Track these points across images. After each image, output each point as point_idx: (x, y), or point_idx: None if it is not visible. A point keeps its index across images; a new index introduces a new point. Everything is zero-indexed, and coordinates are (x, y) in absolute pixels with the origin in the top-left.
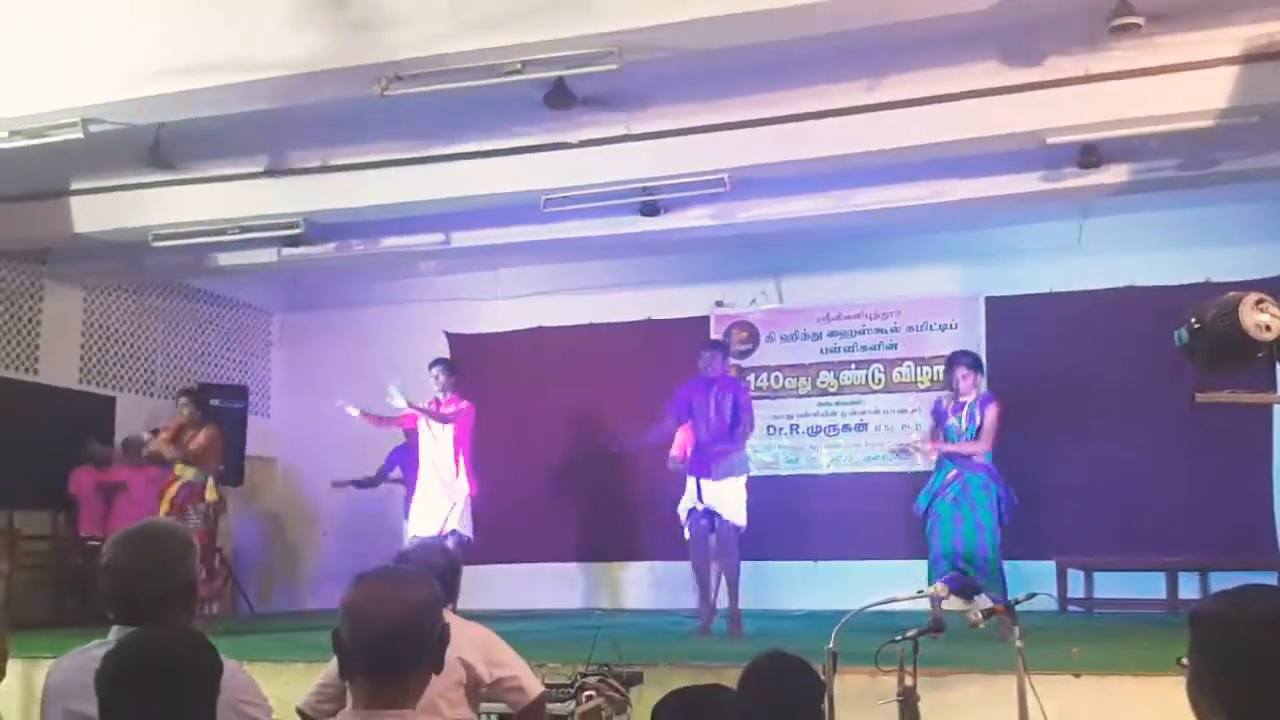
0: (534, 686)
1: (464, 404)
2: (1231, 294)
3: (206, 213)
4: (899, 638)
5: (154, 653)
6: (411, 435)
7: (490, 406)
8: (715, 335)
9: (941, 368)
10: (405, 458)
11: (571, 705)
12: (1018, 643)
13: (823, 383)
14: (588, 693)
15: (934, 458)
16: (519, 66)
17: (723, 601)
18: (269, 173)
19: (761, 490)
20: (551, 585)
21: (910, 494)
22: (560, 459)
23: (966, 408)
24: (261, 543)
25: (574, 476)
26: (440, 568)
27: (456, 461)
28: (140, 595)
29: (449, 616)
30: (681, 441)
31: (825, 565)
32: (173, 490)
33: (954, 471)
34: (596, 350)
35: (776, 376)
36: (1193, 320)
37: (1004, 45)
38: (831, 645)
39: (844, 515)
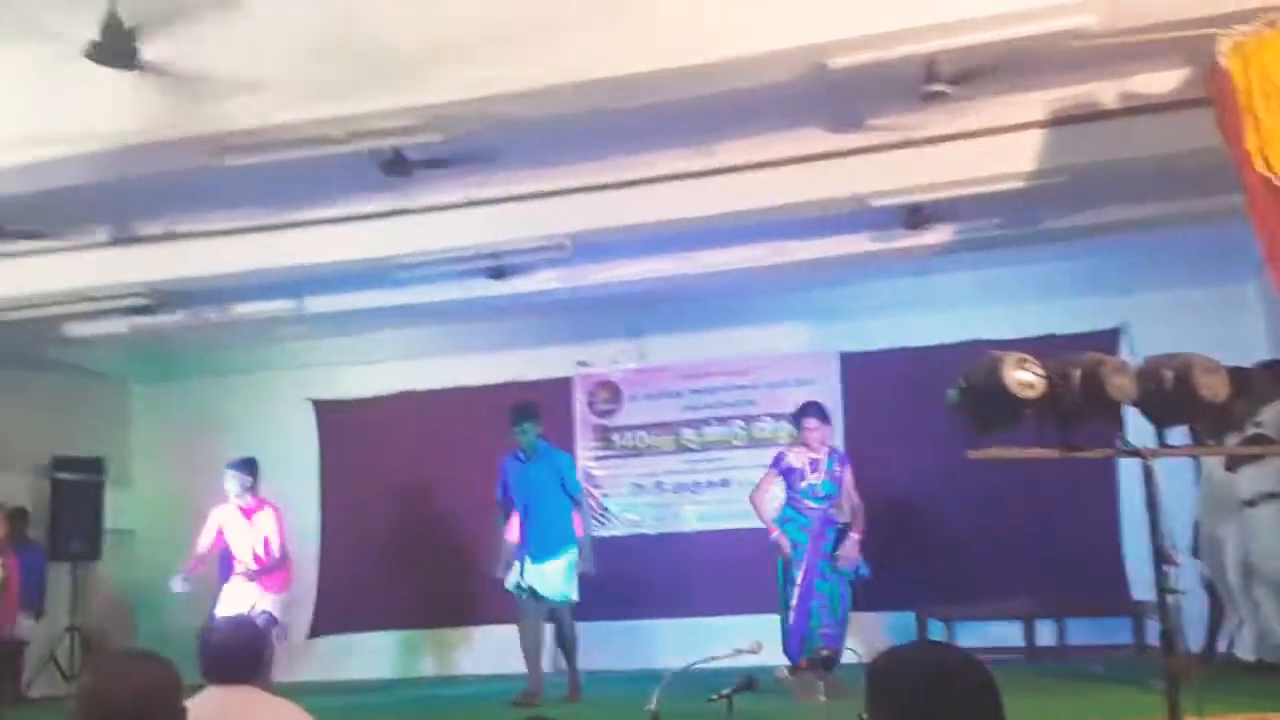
0: None
1: (265, 507)
2: (994, 353)
3: (50, 284)
4: (714, 696)
5: None
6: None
7: (355, 472)
8: (579, 394)
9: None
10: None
11: None
12: (821, 698)
13: (686, 440)
14: None
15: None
16: (344, 137)
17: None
18: (114, 242)
19: (629, 548)
20: (398, 653)
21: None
22: (415, 524)
23: (823, 465)
24: (120, 616)
25: (425, 542)
26: (247, 641)
27: (268, 556)
28: None
29: (253, 694)
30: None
31: (701, 621)
32: None
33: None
34: (462, 413)
35: (640, 435)
36: (961, 381)
37: (827, 112)
38: (653, 706)
39: (712, 571)
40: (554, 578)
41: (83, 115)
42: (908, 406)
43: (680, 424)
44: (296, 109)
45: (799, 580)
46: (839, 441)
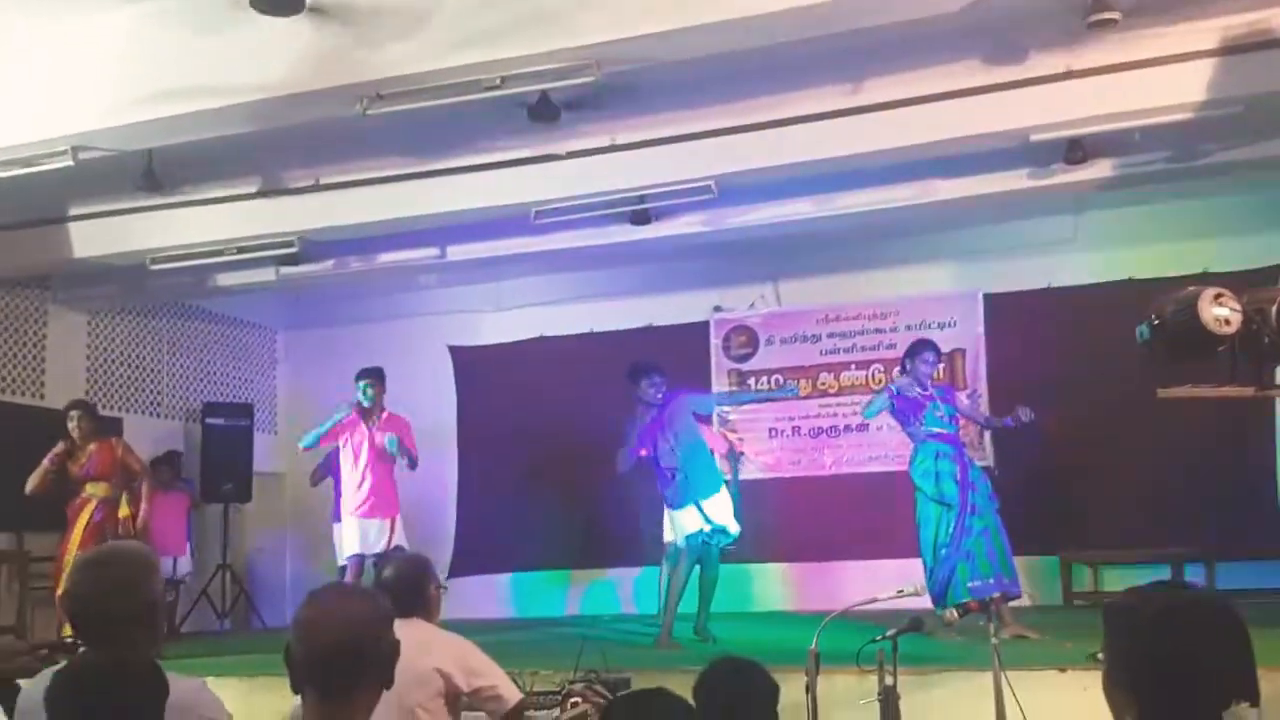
0: (512, 694)
1: (399, 418)
2: (1190, 289)
3: (202, 234)
4: (879, 637)
5: (96, 677)
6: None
7: (491, 417)
8: (715, 339)
9: (942, 365)
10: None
11: (556, 712)
12: (993, 639)
13: (823, 384)
14: (573, 699)
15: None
16: (498, 82)
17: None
18: (262, 193)
19: (764, 493)
20: (545, 593)
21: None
22: (556, 467)
23: (938, 398)
24: (274, 557)
25: (558, 485)
26: (417, 576)
27: (392, 479)
28: (99, 618)
29: (425, 628)
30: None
31: (826, 565)
32: (86, 513)
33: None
34: (597, 358)
35: (777, 379)
36: (1153, 317)
37: (985, 44)
38: (813, 646)
39: (846, 516)
40: (726, 513)
41: (226, 68)
42: (1053, 347)
43: (818, 368)
44: (447, 56)
45: (954, 522)
46: (982, 384)
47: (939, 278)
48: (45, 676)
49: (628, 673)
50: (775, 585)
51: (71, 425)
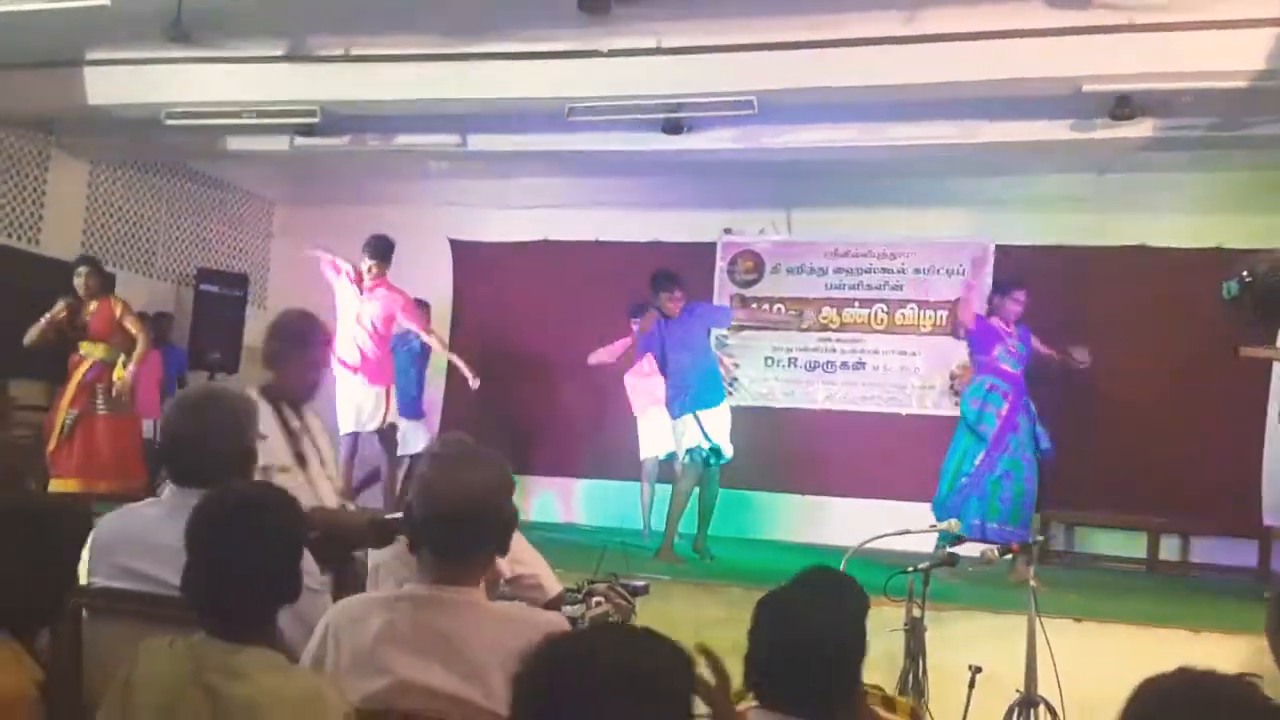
0: (553, 586)
1: (393, 291)
2: None
3: (223, 93)
4: (910, 569)
5: (248, 503)
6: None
7: (488, 314)
8: (721, 262)
9: (945, 313)
10: None
11: (582, 609)
12: (1032, 582)
13: (825, 318)
14: (596, 599)
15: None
16: None
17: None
18: (289, 57)
19: (754, 421)
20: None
21: (904, 435)
22: (540, 372)
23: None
24: None
25: (546, 390)
26: None
27: (378, 341)
28: (195, 459)
29: None
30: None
31: (811, 500)
32: (80, 372)
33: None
34: (600, 267)
35: (779, 308)
36: (1244, 274)
37: None
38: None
39: (835, 453)
40: (724, 432)
41: None
42: (1058, 305)
43: (821, 301)
44: None
45: (980, 455)
46: None
47: (952, 223)
48: (133, 513)
49: (643, 580)
50: (762, 514)
51: (78, 281)
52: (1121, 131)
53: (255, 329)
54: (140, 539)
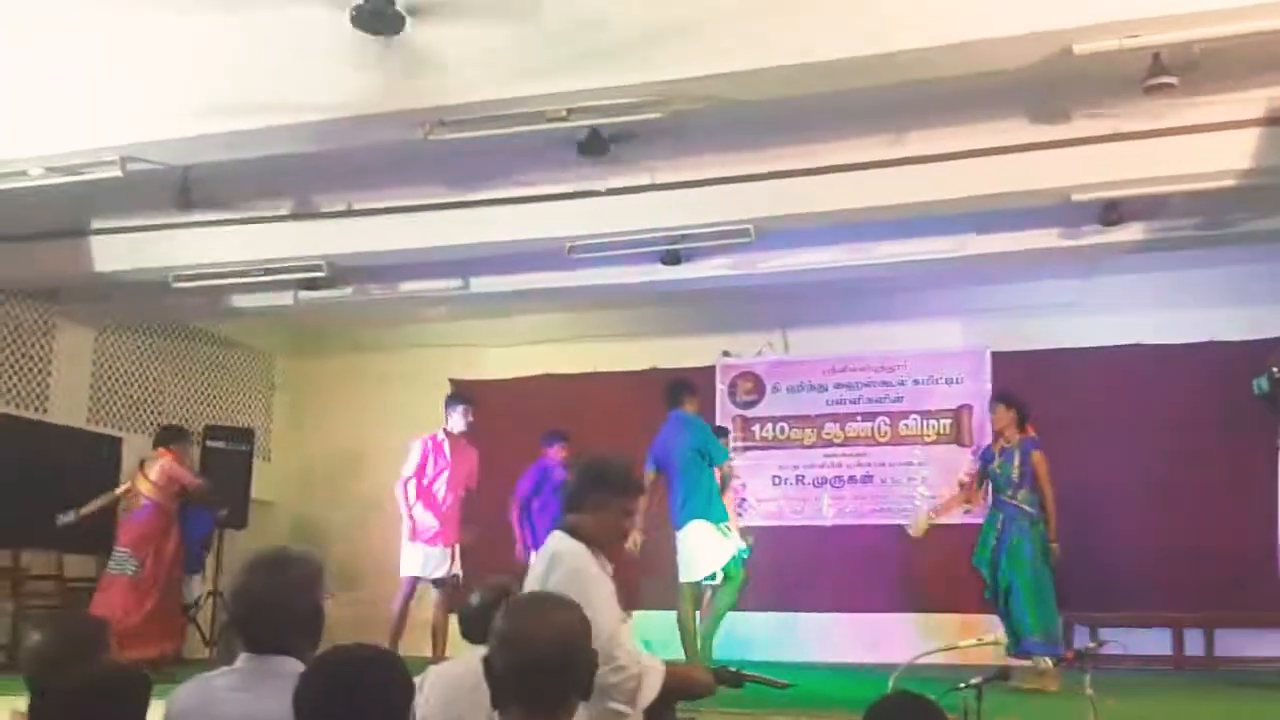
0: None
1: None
2: None
3: (230, 254)
4: (962, 685)
5: (356, 670)
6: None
7: (489, 453)
8: (721, 385)
9: (949, 421)
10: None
11: None
12: (1088, 691)
13: (828, 434)
14: None
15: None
16: (564, 113)
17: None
18: (293, 215)
19: (766, 540)
20: None
21: (919, 545)
22: None
23: (1014, 454)
24: None
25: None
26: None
27: (459, 505)
28: (270, 620)
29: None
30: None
31: (820, 617)
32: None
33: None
34: (600, 399)
35: (782, 427)
36: (1274, 369)
37: (1031, 103)
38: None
39: (849, 567)
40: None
41: (293, 86)
42: (1060, 408)
43: (824, 417)
44: (518, 85)
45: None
46: (988, 441)
47: (948, 334)
48: (206, 684)
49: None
50: (772, 634)
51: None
52: (1111, 236)
53: (261, 483)
54: (210, 712)
